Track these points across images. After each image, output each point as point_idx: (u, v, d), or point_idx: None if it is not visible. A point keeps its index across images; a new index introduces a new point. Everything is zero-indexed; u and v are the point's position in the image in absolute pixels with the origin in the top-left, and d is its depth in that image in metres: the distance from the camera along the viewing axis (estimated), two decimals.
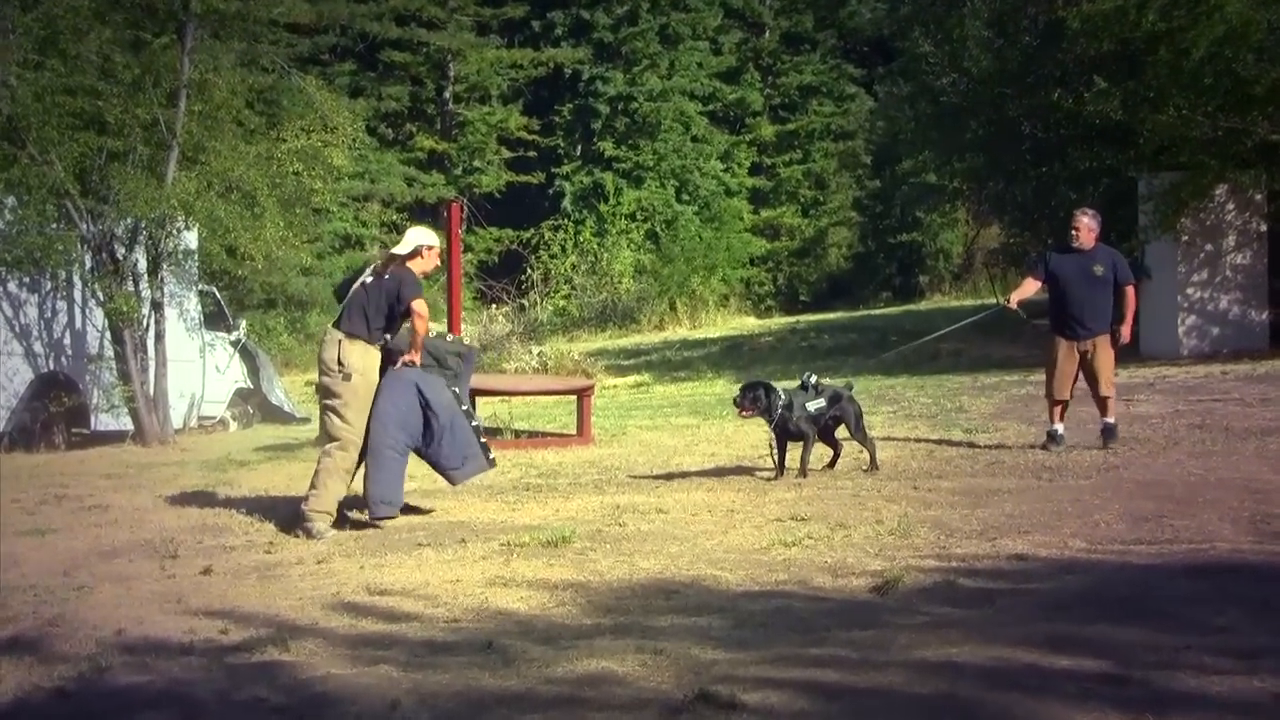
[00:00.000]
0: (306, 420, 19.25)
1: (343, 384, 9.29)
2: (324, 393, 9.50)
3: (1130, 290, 12.19)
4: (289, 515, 9.72)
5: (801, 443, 11.03)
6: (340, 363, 9.28)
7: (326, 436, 9.48)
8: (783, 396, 10.98)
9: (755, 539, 8.41)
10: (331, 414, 9.39)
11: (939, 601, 6.68)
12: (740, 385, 11.49)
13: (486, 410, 17.32)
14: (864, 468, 11.21)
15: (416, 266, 9.56)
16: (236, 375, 19.89)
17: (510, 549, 8.26)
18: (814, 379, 11.38)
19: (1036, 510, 8.94)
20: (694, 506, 9.72)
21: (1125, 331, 12.18)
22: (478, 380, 16.65)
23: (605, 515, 9.42)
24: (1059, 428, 12.15)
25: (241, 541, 9.10)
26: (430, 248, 9.67)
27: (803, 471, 10.86)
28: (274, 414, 20.03)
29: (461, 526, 9.19)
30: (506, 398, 17.69)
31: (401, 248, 9.63)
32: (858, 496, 9.89)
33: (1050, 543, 7.90)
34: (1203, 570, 7.04)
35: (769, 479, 10.86)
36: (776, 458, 11.01)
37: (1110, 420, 12.10)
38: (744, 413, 11.07)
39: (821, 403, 11.15)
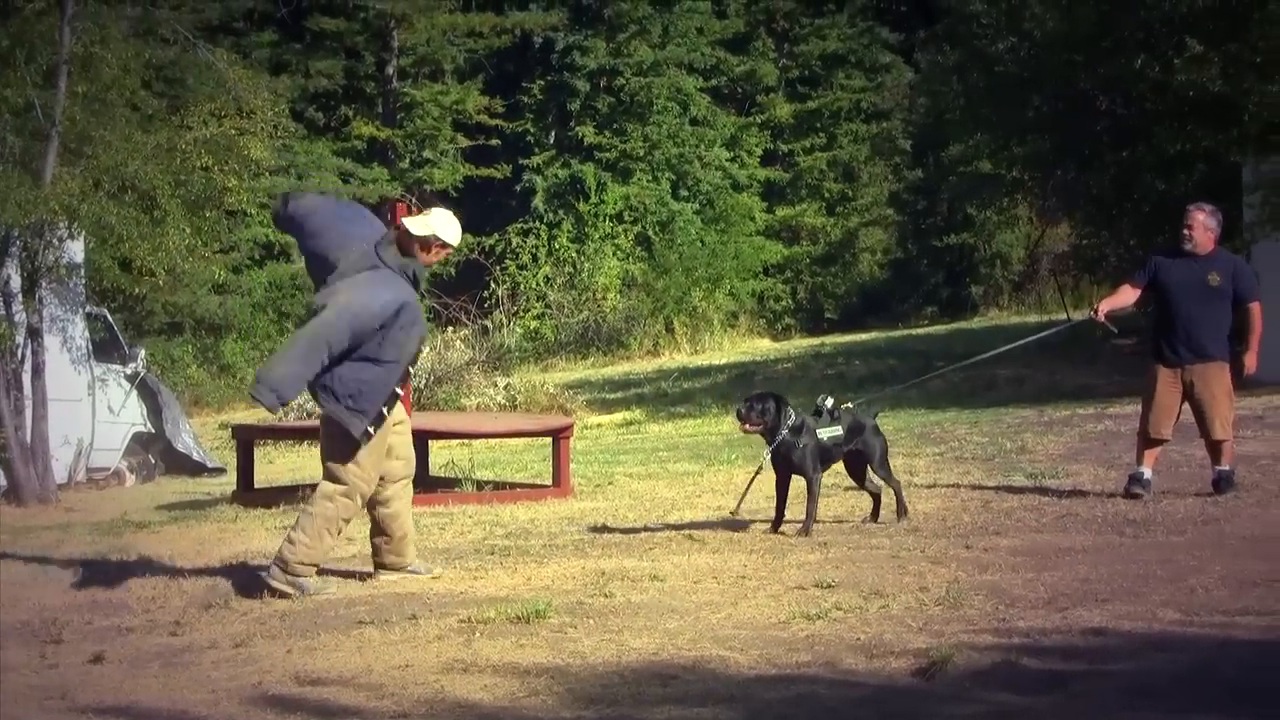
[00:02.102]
0: (221, 471, 19.25)
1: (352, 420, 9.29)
2: (327, 423, 9.48)
3: (1256, 308, 12.18)
4: (201, 590, 9.69)
5: (805, 481, 11.07)
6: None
7: (327, 477, 9.49)
8: (793, 416, 11.05)
9: (772, 612, 8.40)
10: (336, 454, 9.40)
11: (997, 687, 6.67)
12: (747, 396, 11.51)
13: (442, 456, 17.35)
14: (878, 519, 11.35)
15: (420, 257, 9.54)
16: (134, 417, 19.88)
17: (472, 626, 8.23)
18: (830, 402, 11.39)
19: (1118, 574, 8.93)
20: (696, 572, 9.70)
21: (1251, 361, 12.19)
22: (432, 421, 16.70)
23: (588, 584, 9.40)
24: (1146, 472, 12.16)
25: (141, 622, 9.07)
26: (444, 246, 9.63)
27: (806, 527, 10.89)
28: (180, 463, 20.04)
29: (412, 599, 9.17)
30: (466, 441, 17.69)
31: (416, 226, 9.55)
32: (897, 558, 9.88)
33: (1135, 614, 7.89)
34: None
35: (764, 530, 10.92)
36: (778, 498, 11.10)
37: (1226, 468, 12.10)
38: (747, 426, 11.17)
39: (838, 431, 11.20)
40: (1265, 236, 20.15)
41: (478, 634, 8.06)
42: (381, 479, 9.56)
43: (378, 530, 9.78)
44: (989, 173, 32.98)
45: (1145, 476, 12.14)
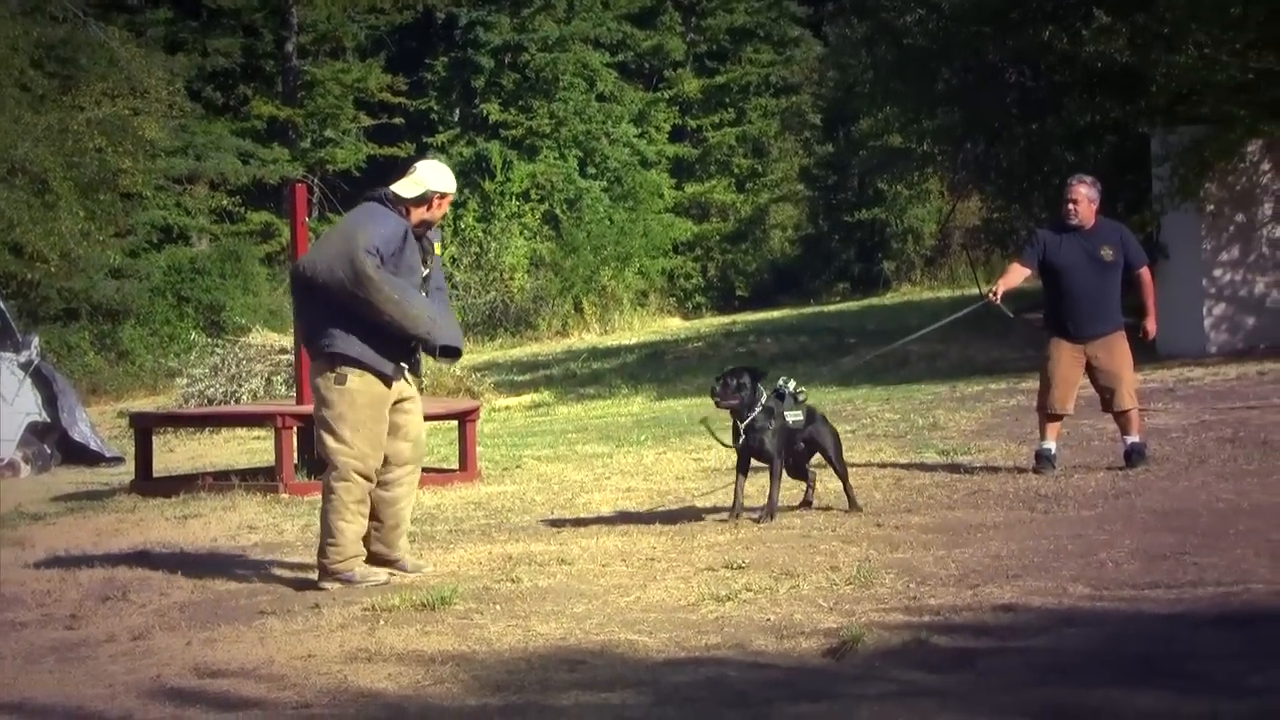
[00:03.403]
0: (119, 460, 19.08)
1: (335, 389, 9.09)
2: (315, 400, 9.29)
3: (1147, 273, 12.36)
4: (98, 582, 9.62)
5: (769, 465, 10.80)
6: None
7: (325, 463, 9.26)
8: (763, 397, 10.79)
9: (681, 594, 8.42)
10: (322, 430, 9.19)
11: (908, 665, 6.71)
12: (722, 371, 11.25)
13: None
14: (812, 504, 11.25)
15: (419, 216, 9.31)
16: (28, 406, 19.65)
17: (375, 615, 8.21)
18: (793, 385, 11.09)
19: (1029, 549, 9.01)
20: (605, 555, 9.71)
21: (1151, 326, 12.33)
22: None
23: (494, 569, 9.40)
24: (1051, 446, 12.28)
25: (35, 616, 8.99)
26: (444, 196, 9.30)
27: (769, 511, 10.66)
28: (77, 454, 19.82)
29: (314, 589, 9.13)
30: None
31: (403, 187, 9.23)
32: (808, 538, 9.92)
33: (1046, 589, 7.95)
34: (1234, 619, 7.11)
35: (721, 519, 10.80)
36: (736, 482, 10.81)
37: (1137, 439, 12.20)
38: (723, 402, 10.79)
39: (799, 416, 10.97)
40: (1174, 208, 20.33)
41: (382, 622, 8.04)
42: (386, 460, 9.24)
43: (371, 512, 9.36)
44: (899, 147, 33.12)
45: (1052, 452, 12.26)
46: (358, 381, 9.02)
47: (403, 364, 9.25)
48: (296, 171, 38.77)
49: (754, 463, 10.89)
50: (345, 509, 9.10)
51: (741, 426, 10.74)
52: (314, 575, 9.30)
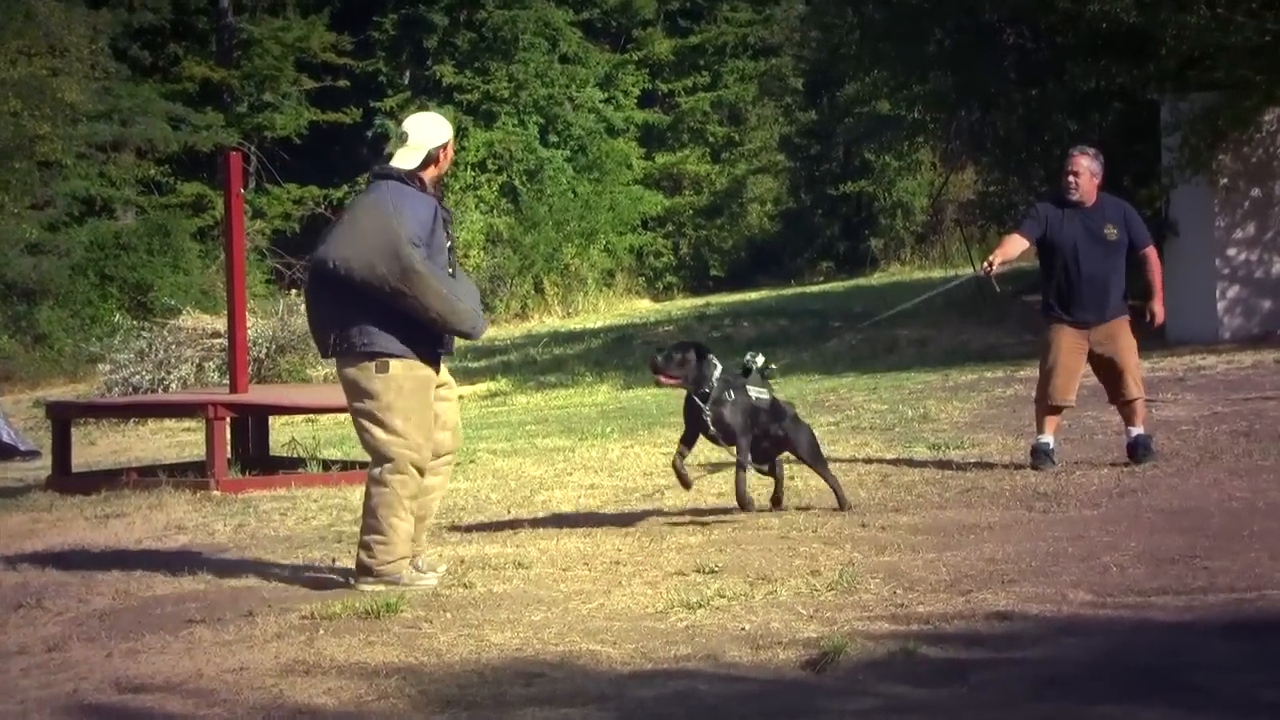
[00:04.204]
0: (36, 454, 19.01)
1: (378, 378, 9.04)
2: (351, 392, 9.21)
3: (1153, 254, 12.39)
4: (10, 588, 9.58)
5: (731, 448, 10.61)
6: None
7: (372, 456, 9.22)
8: (718, 367, 10.61)
9: (648, 600, 8.42)
10: (367, 422, 9.19)
11: (895, 678, 6.71)
12: (662, 347, 11.14)
13: (285, 434, 17.25)
14: (782, 503, 11.24)
15: (430, 177, 9.20)
16: None
17: (315, 623, 8.19)
18: (761, 360, 10.98)
19: (1026, 552, 9.02)
20: (565, 558, 9.71)
21: (1158, 309, 12.34)
22: (274, 395, 16.60)
23: (445, 572, 9.38)
24: (1049, 440, 12.30)
25: None
26: (446, 146, 9.22)
27: (741, 498, 10.48)
28: None
29: (248, 594, 9.11)
30: (312, 416, 17.60)
31: (405, 159, 9.14)
32: (786, 539, 9.92)
33: (1044, 596, 7.97)
34: (1247, 628, 7.14)
35: (701, 522, 10.74)
36: (679, 452, 10.66)
37: (1141, 431, 12.24)
38: (663, 378, 10.66)
39: (766, 395, 10.82)
40: (1185, 181, 20.35)
41: (321, 631, 8.02)
42: None
43: None
44: (888, 114, 33.20)
45: (1050, 446, 12.28)
46: (400, 368, 8.97)
47: (443, 348, 9.25)
48: (231, 138, 38.70)
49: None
50: (399, 505, 9.02)
51: (702, 400, 10.50)
52: (248, 581, 9.27)
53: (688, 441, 10.76)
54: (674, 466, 10.68)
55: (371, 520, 9.06)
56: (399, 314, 8.89)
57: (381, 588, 8.90)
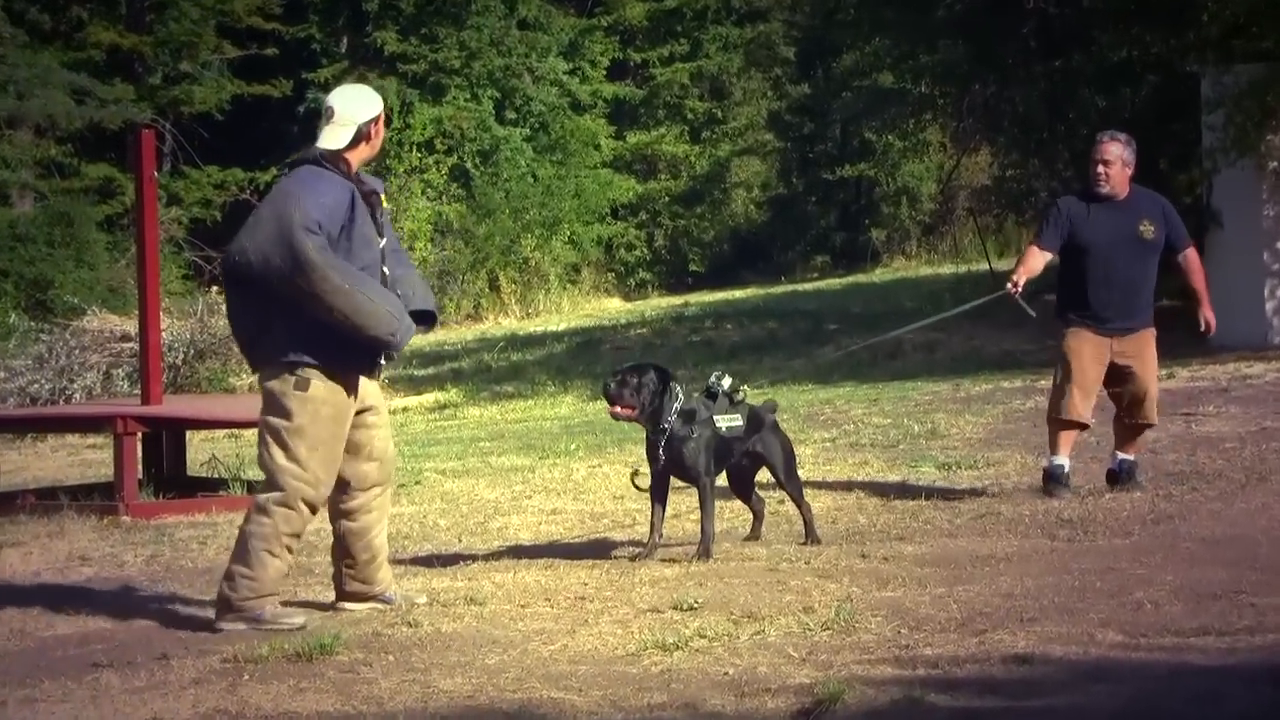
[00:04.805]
0: None
1: (295, 396, 8.98)
2: (266, 404, 9.10)
3: (1194, 256, 12.38)
4: None
5: (697, 488, 10.70)
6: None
7: (265, 478, 9.12)
8: (681, 397, 10.67)
9: (619, 641, 8.41)
10: (271, 440, 9.03)
11: None
12: (617, 368, 11.12)
13: (204, 451, 17.20)
14: (760, 537, 11.24)
15: (359, 158, 9.21)
16: None
17: (238, 667, 8.17)
18: (728, 382, 10.94)
19: (1048, 587, 9.03)
20: (524, 594, 9.70)
21: (1209, 315, 12.29)
22: (192, 406, 16.56)
23: (387, 610, 9.37)
24: (1064, 462, 12.24)
25: None
26: (376, 121, 9.18)
27: (704, 547, 10.54)
28: None
29: (162, 634, 9.09)
30: (235, 431, 17.55)
31: (332, 137, 9.06)
32: (775, 571, 9.92)
33: (1069, 636, 7.97)
34: None
35: (633, 555, 10.79)
36: (652, 511, 10.78)
37: (1132, 457, 12.31)
38: (618, 409, 10.63)
39: (739, 421, 10.81)
40: (1229, 165, 20.35)
41: (246, 676, 8.01)
42: (349, 484, 9.22)
43: (341, 550, 9.38)
44: (891, 88, 33.17)
45: (1066, 470, 12.23)
46: (323, 390, 8.93)
47: (377, 363, 9.20)
48: (144, 114, 38.53)
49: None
50: (276, 540, 8.99)
51: (657, 438, 10.57)
52: (162, 619, 9.25)
53: (658, 495, 10.72)
54: (651, 522, 10.74)
55: (242, 551, 9.01)
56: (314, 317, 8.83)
57: (241, 625, 8.90)
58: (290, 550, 9.09)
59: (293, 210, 8.76)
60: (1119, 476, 12.18)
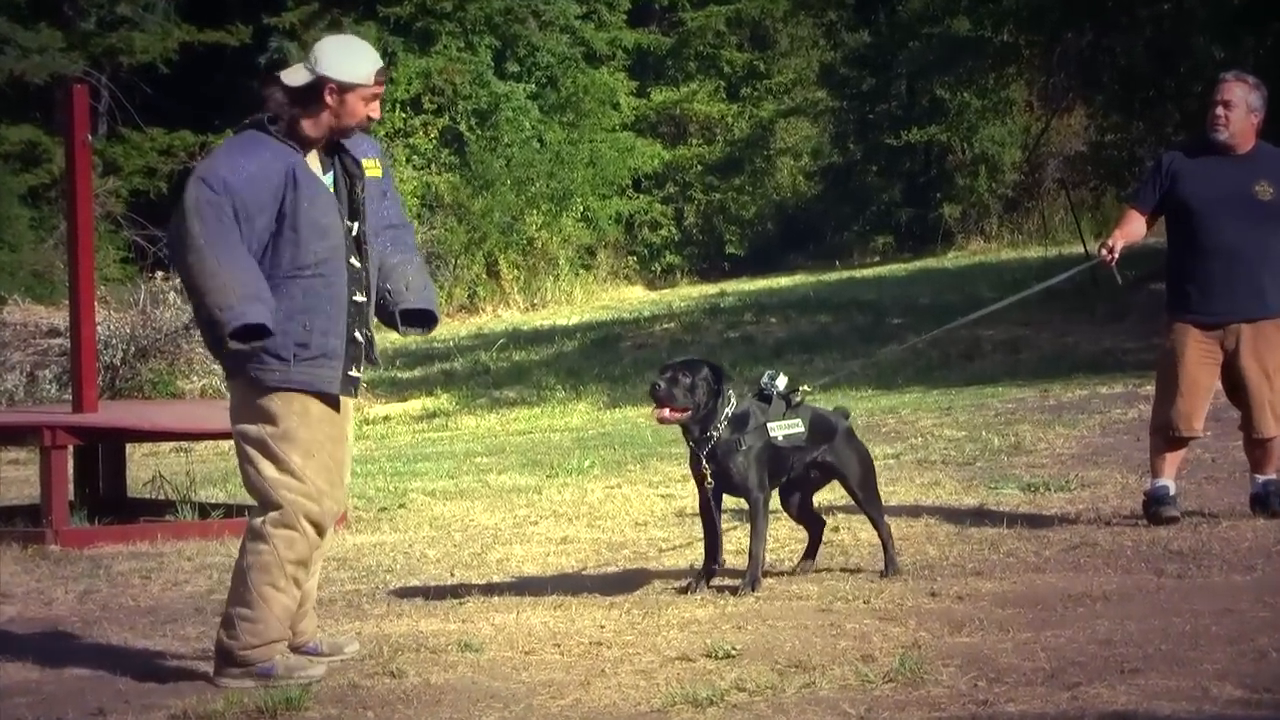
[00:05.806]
0: None
1: (276, 395, 8.98)
2: (238, 410, 9.05)
3: None
4: None
5: (748, 504, 10.76)
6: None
7: (256, 501, 9.05)
8: (731, 402, 10.71)
9: (641, 695, 8.43)
10: (256, 453, 9.04)
11: None
12: (666, 364, 11.08)
13: (147, 468, 17.24)
14: (815, 560, 11.26)
15: (320, 128, 9.09)
16: None
17: None
18: (783, 382, 10.97)
19: (1154, 632, 9.04)
20: (529, 639, 9.73)
21: None
22: (132, 414, 16.59)
23: (366, 657, 9.40)
24: (1169, 485, 12.18)
25: None
26: (351, 89, 8.94)
27: (751, 574, 10.62)
28: None
29: (99, 685, 9.12)
30: (184, 444, 17.60)
31: (290, 74, 8.94)
32: (828, 612, 9.95)
33: (1178, 690, 7.99)
34: None
35: (680, 587, 10.83)
36: (705, 535, 10.80)
37: (1273, 476, 12.18)
38: (667, 412, 10.61)
39: (799, 428, 10.85)
40: None
41: None
42: None
43: None
44: (968, 35, 33.17)
45: (1171, 492, 12.15)
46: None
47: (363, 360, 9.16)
48: (75, 66, 38.61)
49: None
50: (279, 570, 8.86)
51: (696, 456, 10.65)
52: (97, 667, 9.29)
53: (708, 513, 10.78)
54: (706, 545, 10.77)
55: (241, 588, 8.92)
56: (288, 297, 8.74)
57: (249, 682, 8.77)
58: (297, 583, 8.93)
59: (196, 172, 8.77)
60: (1266, 501, 12.02)
